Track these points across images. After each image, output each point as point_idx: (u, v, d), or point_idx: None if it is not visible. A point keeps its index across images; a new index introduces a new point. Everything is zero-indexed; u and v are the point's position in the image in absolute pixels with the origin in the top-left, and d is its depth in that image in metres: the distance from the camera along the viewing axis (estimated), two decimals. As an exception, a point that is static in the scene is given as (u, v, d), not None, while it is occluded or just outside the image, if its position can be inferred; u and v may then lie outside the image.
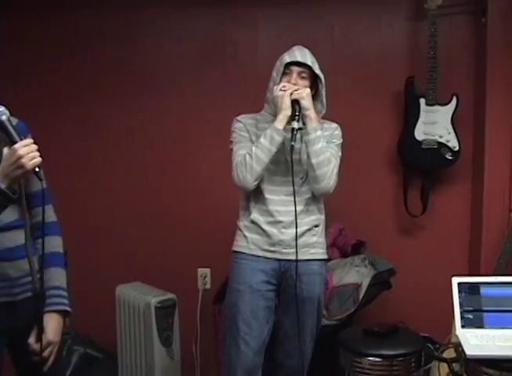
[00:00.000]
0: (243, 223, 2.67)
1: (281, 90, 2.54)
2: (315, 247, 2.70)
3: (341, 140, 2.74)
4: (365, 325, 2.80)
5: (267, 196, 2.62)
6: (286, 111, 2.52)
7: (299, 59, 2.56)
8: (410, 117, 3.41)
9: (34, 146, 1.77)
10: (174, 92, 3.65)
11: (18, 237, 1.93)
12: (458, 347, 2.34)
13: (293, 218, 2.56)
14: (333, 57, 3.52)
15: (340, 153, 2.72)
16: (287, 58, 2.58)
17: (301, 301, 2.63)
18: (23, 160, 1.73)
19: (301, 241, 2.62)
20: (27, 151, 1.74)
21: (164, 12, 3.63)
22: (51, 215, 2.09)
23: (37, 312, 1.91)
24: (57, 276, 2.03)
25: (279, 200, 2.62)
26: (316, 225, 2.71)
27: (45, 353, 1.93)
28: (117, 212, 3.70)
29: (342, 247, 3.44)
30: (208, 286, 3.64)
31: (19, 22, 3.62)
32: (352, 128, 3.49)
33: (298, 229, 2.59)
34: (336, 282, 3.21)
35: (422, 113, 3.37)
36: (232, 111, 2.85)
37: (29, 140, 1.78)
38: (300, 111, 2.53)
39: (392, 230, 3.62)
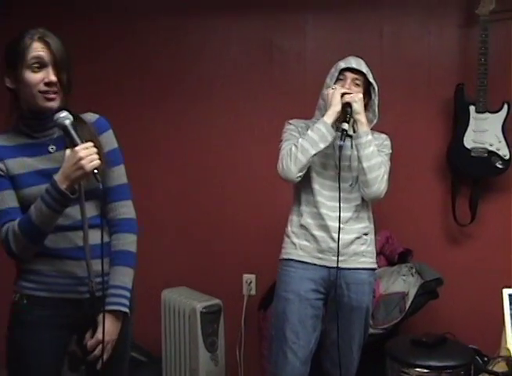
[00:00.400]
0: (291, 229, 2.66)
1: (332, 89, 2.57)
2: (364, 256, 2.67)
3: (391, 151, 2.73)
4: (413, 335, 2.76)
5: (318, 198, 2.61)
6: (335, 107, 2.53)
7: (354, 65, 2.57)
8: (459, 124, 3.35)
9: (94, 149, 1.84)
10: (221, 97, 3.68)
11: (91, 236, 1.97)
12: (509, 360, 2.28)
13: (345, 225, 2.58)
14: (381, 64, 3.49)
15: (389, 163, 2.69)
16: (342, 64, 2.59)
17: (349, 310, 2.62)
18: (83, 162, 1.80)
19: (350, 250, 2.61)
20: (87, 153, 1.81)
21: (211, 18, 3.67)
22: (128, 212, 2.12)
23: (93, 310, 1.96)
24: (121, 275, 2.04)
25: (329, 205, 2.61)
26: (366, 234, 2.69)
27: (96, 351, 1.97)
28: (165, 217, 3.73)
29: (389, 255, 3.40)
30: (253, 292, 3.64)
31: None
32: (401, 136, 3.48)
33: (347, 237, 2.59)
34: (382, 290, 3.17)
35: (472, 121, 3.31)
36: (279, 117, 2.86)
37: (89, 144, 1.85)
38: (351, 114, 2.52)
39: (440, 239, 3.56)
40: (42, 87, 1.89)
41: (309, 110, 2.76)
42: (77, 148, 1.82)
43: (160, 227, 3.73)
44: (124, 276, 2.05)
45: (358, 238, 2.64)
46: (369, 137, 2.55)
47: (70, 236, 1.98)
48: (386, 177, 2.62)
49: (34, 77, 1.89)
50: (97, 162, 1.82)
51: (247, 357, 3.65)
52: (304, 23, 3.59)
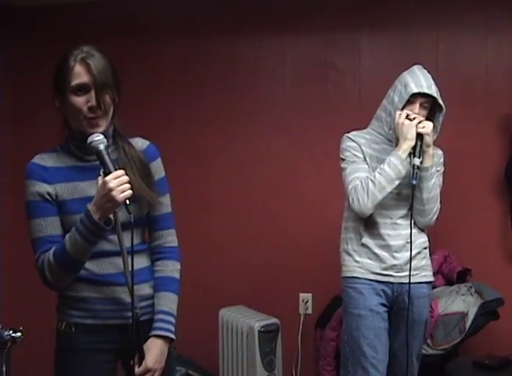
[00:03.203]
0: (351, 247, 2.65)
1: (407, 118, 2.52)
2: (425, 269, 2.67)
3: (444, 168, 2.71)
4: (475, 357, 2.72)
5: (378, 219, 2.60)
6: (411, 142, 2.50)
7: (426, 90, 2.52)
8: (519, 141, 3.30)
9: (125, 178, 1.77)
10: (277, 117, 3.70)
11: (136, 261, 1.89)
12: None
13: (404, 241, 2.57)
14: (437, 81, 3.45)
15: (441, 180, 2.70)
16: (414, 87, 2.52)
17: (411, 323, 2.61)
18: (114, 193, 1.74)
19: (413, 265, 2.60)
20: (118, 184, 1.75)
21: (266, 38, 3.71)
22: (173, 240, 2.11)
23: (137, 336, 1.91)
24: (167, 301, 2.02)
25: (390, 224, 2.60)
26: (425, 248, 2.69)
27: None
28: (223, 237, 3.77)
29: (447, 274, 3.36)
30: (310, 311, 3.63)
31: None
32: (458, 153, 3.44)
33: (408, 253, 2.58)
34: (441, 310, 3.13)
35: (531, 137, 3.26)
36: (334, 136, 2.85)
37: (120, 172, 1.78)
38: (421, 147, 2.52)
39: (499, 258, 3.49)
40: (86, 112, 1.85)
41: (364, 127, 2.75)
42: (107, 178, 1.75)
43: (217, 247, 3.76)
44: (171, 303, 2.03)
45: (418, 253, 2.63)
46: (433, 170, 2.57)
47: (116, 261, 1.93)
48: (439, 205, 2.65)
49: (78, 101, 1.85)
50: (128, 193, 1.77)
51: (304, 376, 3.64)
52: (358, 42, 3.60)
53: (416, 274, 2.62)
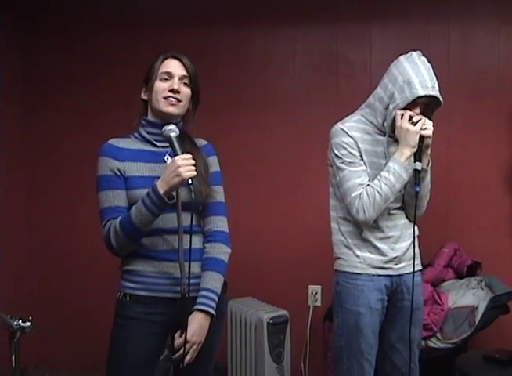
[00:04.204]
0: (351, 241, 2.60)
1: (410, 122, 2.45)
2: (417, 258, 2.65)
3: None
4: (485, 351, 2.71)
5: None
6: (414, 149, 2.46)
7: (431, 92, 2.43)
8: (530, 134, 3.28)
9: (192, 161, 2.01)
10: (286, 109, 3.69)
11: (186, 241, 2.09)
12: None
13: (400, 232, 2.56)
14: (448, 73, 3.45)
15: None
16: (420, 89, 2.41)
17: (410, 312, 2.58)
18: (180, 170, 1.97)
19: (406, 255, 2.60)
20: (185, 163, 1.99)
21: (276, 30, 3.70)
22: (224, 226, 2.30)
23: (181, 312, 2.05)
24: (212, 280, 2.16)
25: (387, 215, 2.57)
26: (416, 236, 2.67)
27: (181, 350, 2.03)
28: (232, 229, 3.75)
29: (457, 267, 3.34)
30: (319, 303, 3.63)
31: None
32: (469, 146, 3.43)
33: (405, 243, 2.59)
34: (451, 304, 3.12)
35: (543, 131, 3.23)
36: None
37: (188, 155, 2.02)
38: (422, 149, 2.48)
39: (509, 252, 3.49)
40: (166, 93, 2.14)
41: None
42: (176, 157, 2.00)
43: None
44: (215, 282, 2.17)
45: (412, 243, 2.62)
46: (429, 166, 2.55)
47: (169, 239, 2.13)
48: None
49: (162, 85, 2.15)
50: (193, 172, 2.00)
51: (312, 368, 3.64)
52: (369, 34, 3.58)
53: (412, 263, 2.60)
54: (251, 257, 3.71)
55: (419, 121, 2.44)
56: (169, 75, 2.16)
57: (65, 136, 3.83)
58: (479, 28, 3.48)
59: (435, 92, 2.43)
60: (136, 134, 2.23)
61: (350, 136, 2.53)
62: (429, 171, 2.56)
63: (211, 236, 2.25)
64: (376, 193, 2.47)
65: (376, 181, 2.49)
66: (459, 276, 3.35)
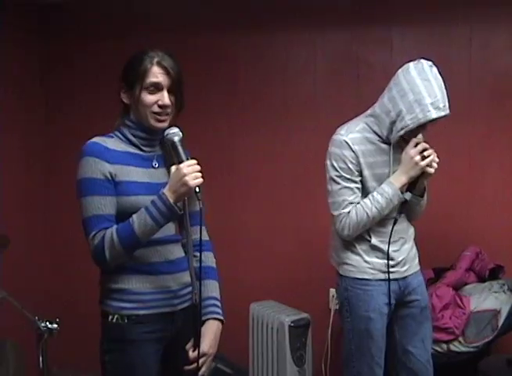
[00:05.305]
0: (359, 247, 2.60)
1: (421, 155, 2.46)
2: (416, 257, 2.70)
3: None
4: (509, 355, 2.69)
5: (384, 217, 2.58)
6: (412, 179, 2.50)
7: (443, 113, 2.40)
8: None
9: (198, 167, 1.91)
10: (307, 113, 3.70)
11: (176, 250, 2.08)
12: None
13: (403, 235, 2.60)
14: (469, 75, 3.44)
15: None
16: (432, 111, 2.37)
17: (419, 311, 2.64)
18: (187, 178, 1.87)
19: (409, 256, 2.63)
20: (191, 170, 1.89)
21: (297, 34, 3.71)
22: (205, 235, 2.23)
23: (195, 321, 2.00)
24: (213, 288, 2.15)
25: (391, 220, 2.57)
26: (414, 238, 2.71)
27: (199, 362, 1.99)
28: (254, 232, 3.79)
29: (479, 271, 3.33)
30: (340, 306, 3.63)
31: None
32: (490, 148, 3.41)
33: (407, 246, 2.62)
34: (473, 307, 3.11)
35: None
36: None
37: (193, 161, 1.92)
38: (418, 181, 2.51)
39: (532, 255, 3.46)
40: (156, 108, 2.00)
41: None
42: (181, 165, 1.90)
43: (248, 242, 3.78)
44: (217, 289, 2.17)
45: (412, 243, 2.67)
46: (425, 197, 2.64)
47: (161, 250, 2.04)
48: None
49: (150, 98, 1.99)
50: (200, 180, 1.90)
51: (333, 371, 3.63)
52: (390, 37, 3.58)
53: (413, 264, 2.67)
54: (272, 260, 3.74)
55: (429, 156, 2.45)
56: (157, 87, 2.00)
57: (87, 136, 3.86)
58: (500, 31, 3.46)
59: (445, 112, 2.40)
60: (119, 134, 2.07)
61: (352, 150, 2.51)
62: (425, 198, 2.62)
63: (202, 245, 2.10)
64: (365, 215, 2.50)
65: (367, 201, 2.51)
66: (481, 279, 3.33)
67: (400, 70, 2.49)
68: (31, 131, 3.86)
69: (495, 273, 3.30)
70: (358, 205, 2.51)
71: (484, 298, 3.14)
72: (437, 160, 2.48)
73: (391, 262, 2.56)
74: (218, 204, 3.77)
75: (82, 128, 3.87)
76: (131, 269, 2.00)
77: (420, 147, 2.45)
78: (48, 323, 2.05)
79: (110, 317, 2.00)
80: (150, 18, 3.85)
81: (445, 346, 3.03)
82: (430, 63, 2.45)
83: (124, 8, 3.86)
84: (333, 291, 3.65)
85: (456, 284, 3.25)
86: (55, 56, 3.95)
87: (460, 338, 3.07)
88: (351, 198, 2.52)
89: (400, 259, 2.58)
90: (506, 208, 3.46)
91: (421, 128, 2.45)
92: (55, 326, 2.06)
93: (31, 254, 3.79)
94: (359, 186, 2.53)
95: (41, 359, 2.02)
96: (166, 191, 1.90)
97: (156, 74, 1.99)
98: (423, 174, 2.49)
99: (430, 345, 2.69)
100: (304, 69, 3.72)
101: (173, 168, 1.93)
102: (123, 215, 1.94)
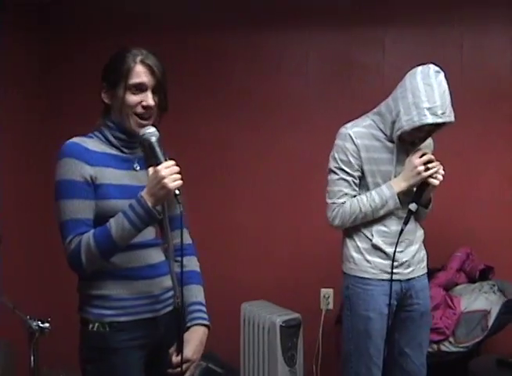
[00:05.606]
0: (361, 246, 2.61)
1: (425, 167, 2.48)
2: (424, 260, 2.69)
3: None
4: (498, 355, 2.71)
5: (386, 217, 2.58)
6: (412, 187, 2.53)
7: (439, 120, 2.40)
8: (544, 139, 3.28)
9: (176, 168, 1.82)
10: (299, 112, 3.71)
11: (157, 255, 2.01)
12: None
13: (408, 237, 2.59)
14: (461, 78, 3.45)
15: None
16: (428, 116, 2.38)
17: (419, 316, 2.64)
18: (166, 181, 1.78)
19: (415, 259, 2.62)
20: (170, 172, 1.79)
21: (289, 33, 3.72)
22: (188, 238, 2.17)
23: (178, 326, 1.94)
24: (197, 293, 2.10)
25: (396, 220, 2.59)
26: (423, 240, 2.71)
27: (183, 368, 1.94)
28: (246, 233, 3.79)
29: (469, 271, 3.35)
30: (331, 306, 3.64)
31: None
32: (483, 150, 3.43)
33: (413, 248, 2.62)
34: (463, 308, 3.12)
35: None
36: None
37: (171, 162, 1.82)
38: (423, 193, 2.53)
39: (522, 256, 3.49)
40: (139, 109, 1.92)
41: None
42: (158, 167, 1.80)
43: (240, 241, 3.78)
44: (201, 294, 2.11)
45: (420, 245, 2.66)
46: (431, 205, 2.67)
47: (141, 254, 1.97)
48: None
49: (133, 99, 1.91)
50: (179, 182, 1.81)
51: (324, 371, 3.64)
52: (382, 38, 3.60)
53: (419, 267, 2.66)
54: (264, 260, 3.74)
55: (432, 168, 2.47)
56: (141, 87, 1.91)
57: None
58: (492, 33, 3.48)
59: (444, 119, 2.41)
60: (100, 135, 1.98)
61: (354, 144, 2.54)
62: (430, 206, 2.65)
63: (184, 249, 2.04)
64: (358, 210, 2.52)
65: (364, 197, 2.54)
66: (472, 280, 3.35)
67: (409, 72, 2.52)
68: (31, 130, 3.84)
69: (485, 274, 3.33)
70: (355, 199, 2.54)
71: (474, 299, 3.15)
72: (442, 172, 2.50)
73: (395, 263, 2.56)
74: (212, 203, 3.79)
75: (82, 128, 3.87)
76: (110, 274, 1.92)
77: (425, 158, 2.48)
78: (39, 323, 2.04)
79: (91, 325, 1.92)
80: (150, 17, 3.84)
81: (435, 346, 3.04)
82: (437, 68, 2.47)
83: (124, 7, 3.85)
84: (324, 291, 3.67)
85: (446, 285, 3.27)
86: (55, 55, 3.92)
87: (451, 338, 3.08)
88: (346, 190, 2.56)
89: (404, 260, 2.58)
90: (497, 210, 3.49)
91: (419, 131, 2.47)
92: (46, 325, 2.04)
93: (28, 253, 3.77)
94: (357, 180, 2.57)
95: (32, 358, 2.01)
96: (144, 194, 1.81)
97: (141, 74, 1.91)
98: (428, 185, 2.51)
99: (426, 349, 2.70)
100: (297, 69, 3.72)
101: (150, 169, 1.84)
102: (102, 218, 1.86)
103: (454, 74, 3.37)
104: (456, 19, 3.51)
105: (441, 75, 2.45)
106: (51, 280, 3.88)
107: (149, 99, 1.92)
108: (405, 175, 2.51)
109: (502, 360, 2.61)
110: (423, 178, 2.48)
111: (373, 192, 2.53)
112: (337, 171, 2.58)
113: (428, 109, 2.37)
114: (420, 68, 2.48)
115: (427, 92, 2.39)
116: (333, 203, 2.58)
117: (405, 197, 2.54)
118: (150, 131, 1.88)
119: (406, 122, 2.42)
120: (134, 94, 1.91)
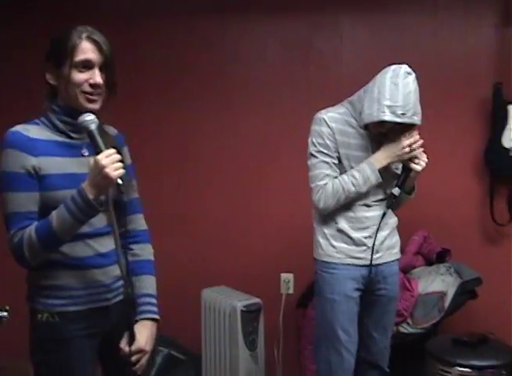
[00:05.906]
0: (327, 231, 2.65)
1: (410, 148, 2.52)
2: (394, 247, 2.72)
3: None
4: (454, 334, 2.77)
5: (354, 203, 2.61)
6: (392, 162, 2.57)
7: (398, 119, 2.43)
8: (497, 124, 3.35)
9: (117, 157, 1.75)
10: (258, 98, 3.71)
11: (108, 243, 1.94)
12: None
13: (379, 222, 2.61)
14: (419, 64, 3.47)
15: None
16: (387, 112, 2.42)
17: (386, 301, 2.69)
18: (107, 170, 1.71)
19: (384, 245, 2.66)
20: (110, 161, 1.73)
21: (248, 20, 3.71)
22: (142, 224, 2.13)
23: (127, 316, 1.92)
24: (149, 284, 2.06)
25: (365, 206, 2.63)
26: (396, 226, 2.74)
27: (134, 358, 1.93)
28: (204, 218, 3.78)
29: (427, 254, 3.42)
30: (291, 291, 3.67)
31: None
32: (438, 136, 3.48)
33: (383, 233, 2.64)
34: (421, 290, 3.18)
35: (510, 120, 3.31)
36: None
37: (112, 151, 1.75)
38: (406, 179, 2.58)
39: (477, 239, 3.56)
40: (87, 87, 1.84)
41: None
42: (99, 156, 1.73)
43: (199, 227, 3.77)
44: (153, 285, 2.07)
45: (391, 232, 2.69)
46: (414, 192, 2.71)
47: (91, 243, 1.92)
48: None
49: (80, 77, 1.83)
50: (121, 171, 1.74)
51: (286, 355, 3.68)
52: (341, 24, 3.61)
53: (390, 253, 2.69)
54: (224, 246, 3.75)
55: (415, 150, 2.52)
56: (88, 64, 1.83)
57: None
58: (449, 20, 3.52)
59: (403, 120, 2.44)
60: (46, 121, 1.90)
61: (329, 127, 2.58)
62: (413, 194, 2.70)
63: (138, 236, 2.08)
64: (341, 189, 2.54)
65: (345, 177, 2.56)
66: (429, 262, 3.42)
67: (384, 69, 2.55)
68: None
69: (442, 257, 3.39)
70: (336, 179, 2.56)
71: (431, 281, 3.21)
72: (425, 160, 2.55)
73: (359, 248, 2.61)
74: (175, 190, 3.77)
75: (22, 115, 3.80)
76: (60, 264, 1.88)
77: (412, 139, 2.52)
78: (-3, 311, 2.01)
79: (40, 316, 1.89)
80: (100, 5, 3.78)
81: (394, 328, 3.09)
82: (409, 70, 2.51)
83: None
84: (284, 276, 3.69)
85: (404, 268, 3.32)
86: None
87: (409, 320, 3.14)
88: (327, 172, 2.58)
89: (369, 245, 2.61)
90: (453, 194, 3.55)
91: (380, 126, 2.51)
92: (4, 314, 2.01)
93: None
94: (336, 161, 2.59)
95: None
96: (85, 185, 1.74)
97: (87, 50, 1.83)
98: (411, 170, 2.55)
99: (391, 332, 2.76)
100: (256, 54, 3.71)
101: (91, 159, 1.76)
102: (50, 209, 1.80)
103: (411, 59, 3.40)
104: (414, 5, 3.54)
105: (411, 77, 2.49)
106: (7, 268, 3.82)
107: (96, 76, 1.84)
108: (388, 151, 2.54)
109: (457, 339, 2.67)
110: (405, 158, 2.52)
111: (354, 170, 2.56)
112: (316, 154, 2.60)
113: (388, 107, 2.41)
114: (393, 67, 2.51)
115: (391, 91, 2.43)
116: (316, 185, 2.60)
117: (384, 181, 2.58)
118: (89, 119, 1.79)
119: (366, 116, 2.48)
120: (80, 72, 1.83)
